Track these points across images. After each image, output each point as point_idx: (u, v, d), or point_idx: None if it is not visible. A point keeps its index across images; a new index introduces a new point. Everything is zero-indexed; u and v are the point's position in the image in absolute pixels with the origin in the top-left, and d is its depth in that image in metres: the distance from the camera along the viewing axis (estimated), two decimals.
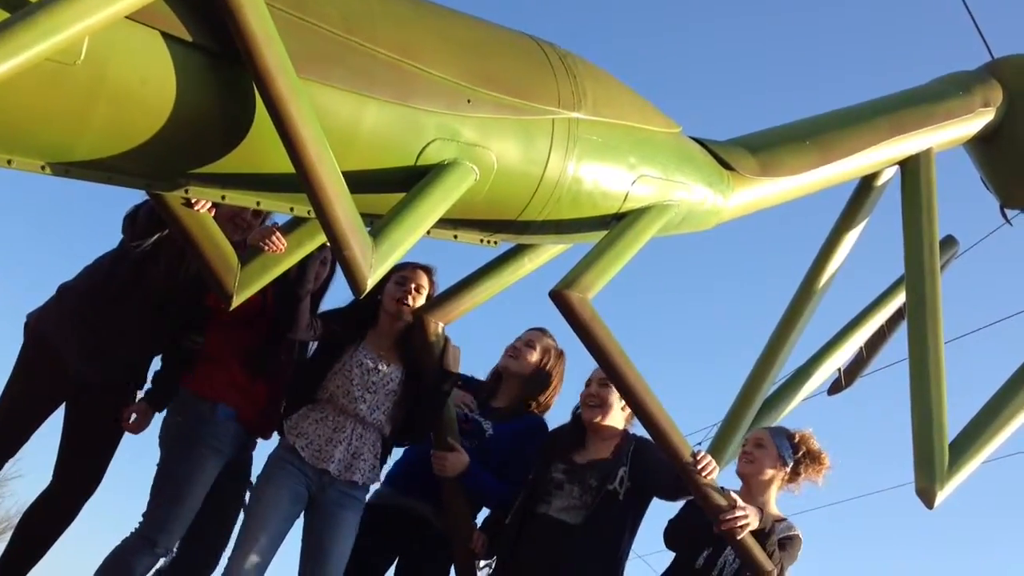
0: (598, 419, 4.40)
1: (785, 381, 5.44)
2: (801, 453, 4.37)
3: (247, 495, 4.43)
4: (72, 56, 2.65)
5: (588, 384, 4.47)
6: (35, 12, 2.43)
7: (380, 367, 4.32)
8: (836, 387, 5.89)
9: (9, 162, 2.86)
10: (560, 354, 4.77)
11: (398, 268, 4.22)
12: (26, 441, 4.31)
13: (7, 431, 4.28)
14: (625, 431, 4.48)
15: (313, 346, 4.56)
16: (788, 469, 4.35)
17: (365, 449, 4.25)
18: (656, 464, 4.21)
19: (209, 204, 3.55)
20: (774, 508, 4.35)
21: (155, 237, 4.12)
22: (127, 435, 4.39)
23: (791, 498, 4.51)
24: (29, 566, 4.31)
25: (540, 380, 4.70)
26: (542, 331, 4.76)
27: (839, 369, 5.72)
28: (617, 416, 4.43)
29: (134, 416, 4.33)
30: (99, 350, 4.24)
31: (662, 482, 4.28)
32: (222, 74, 2.93)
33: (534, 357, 4.68)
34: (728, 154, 4.34)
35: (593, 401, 4.43)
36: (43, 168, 2.92)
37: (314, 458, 4.17)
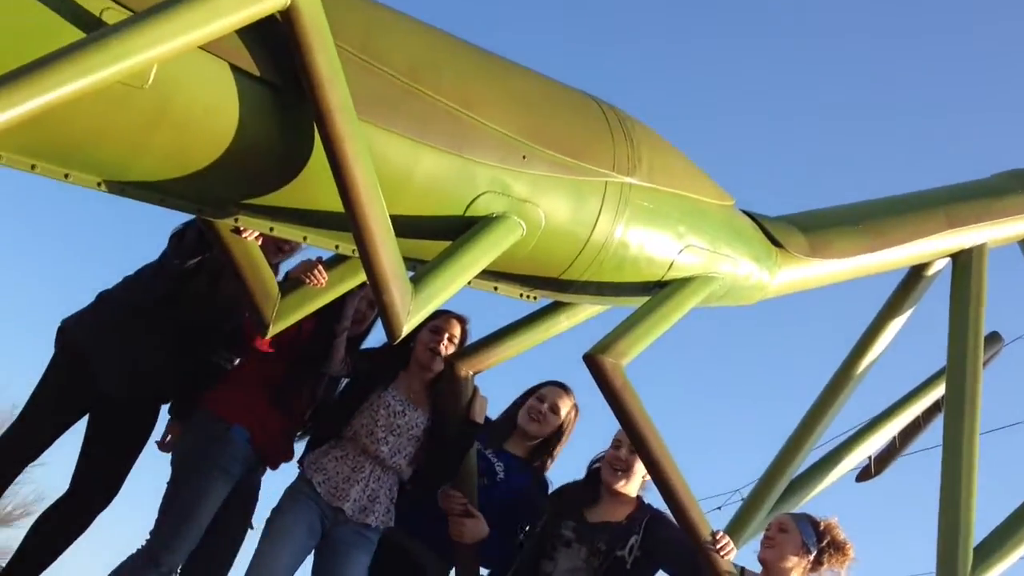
0: (620, 484, 4.35)
1: (814, 463, 5.36)
2: (825, 542, 4.25)
3: (252, 520, 4.43)
4: (140, 80, 2.68)
5: (618, 447, 4.38)
6: (108, 36, 2.47)
7: (407, 411, 4.30)
8: (865, 474, 5.80)
9: (66, 176, 2.90)
10: (577, 412, 4.73)
11: (433, 315, 4.21)
12: (49, 446, 4.33)
13: (32, 435, 4.31)
14: (639, 498, 4.42)
15: (343, 383, 4.55)
16: (811, 558, 4.24)
17: (382, 492, 4.22)
18: (671, 540, 4.15)
19: (257, 233, 3.57)
20: None
21: (199, 258, 4.16)
22: (146, 450, 4.42)
23: None
24: (38, 571, 4.32)
25: (554, 440, 4.66)
26: (566, 391, 4.70)
27: (870, 456, 5.64)
28: (636, 482, 4.38)
29: (170, 438, 4.38)
30: (129, 363, 4.26)
31: (676, 559, 4.20)
32: (284, 109, 2.96)
33: (556, 423, 4.64)
34: (779, 231, 4.31)
35: (619, 465, 4.36)
36: (99, 185, 2.96)
37: (330, 495, 4.14)
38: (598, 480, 4.42)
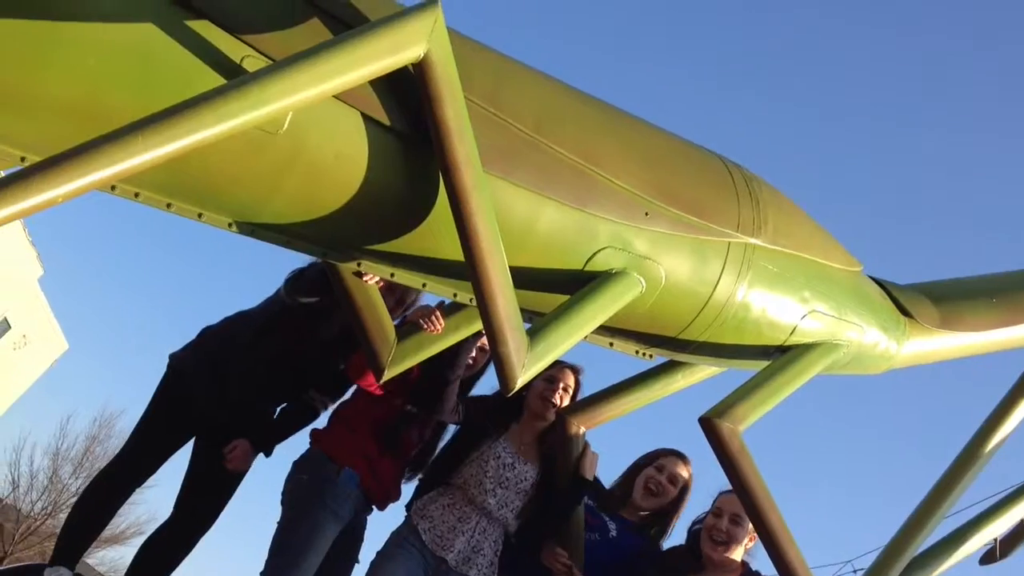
0: (719, 555, 4.22)
1: (937, 542, 5.13)
2: None
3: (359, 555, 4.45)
4: (276, 126, 2.76)
5: (719, 515, 4.27)
6: (248, 83, 2.54)
7: (517, 464, 4.27)
8: (990, 556, 5.51)
9: (200, 215, 2.99)
10: (691, 481, 4.62)
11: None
12: (156, 471, 4.47)
13: (140, 459, 4.47)
14: (744, 564, 4.27)
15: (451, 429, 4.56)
16: None
17: (486, 544, 4.19)
18: None
19: (378, 278, 3.62)
20: None
21: (315, 298, 4.25)
22: (247, 481, 4.50)
23: None
24: None
25: (671, 512, 4.56)
26: (684, 461, 4.60)
27: (996, 539, 5.37)
28: (740, 550, 4.24)
29: (236, 449, 4.43)
30: (228, 394, 4.39)
31: None
32: (411, 158, 3.00)
33: (673, 495, 4.54)
34: (908, 300, 4.16)
35: (720, 537, 4.24)
36: (230, 225, 3.04)
37: (435, 543, 4.13)
38: (699, 545, 4.29)
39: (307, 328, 4.40)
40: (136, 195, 2.85)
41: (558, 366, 4.40)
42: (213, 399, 4.39)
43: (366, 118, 2.89)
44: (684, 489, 4.57)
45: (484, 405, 4.53)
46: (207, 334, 4.59)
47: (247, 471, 4.51)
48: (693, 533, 4.38)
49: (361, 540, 4.55)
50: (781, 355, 3.85)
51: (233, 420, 4.45)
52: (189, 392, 4.42)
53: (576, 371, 4.49)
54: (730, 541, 4.20)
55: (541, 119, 3.21)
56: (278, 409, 4.62)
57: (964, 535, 5.18)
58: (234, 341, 4.46)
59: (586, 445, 4.37)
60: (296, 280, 4.38)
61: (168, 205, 2.91)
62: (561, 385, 4.36)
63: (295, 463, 4.47)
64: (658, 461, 4.57)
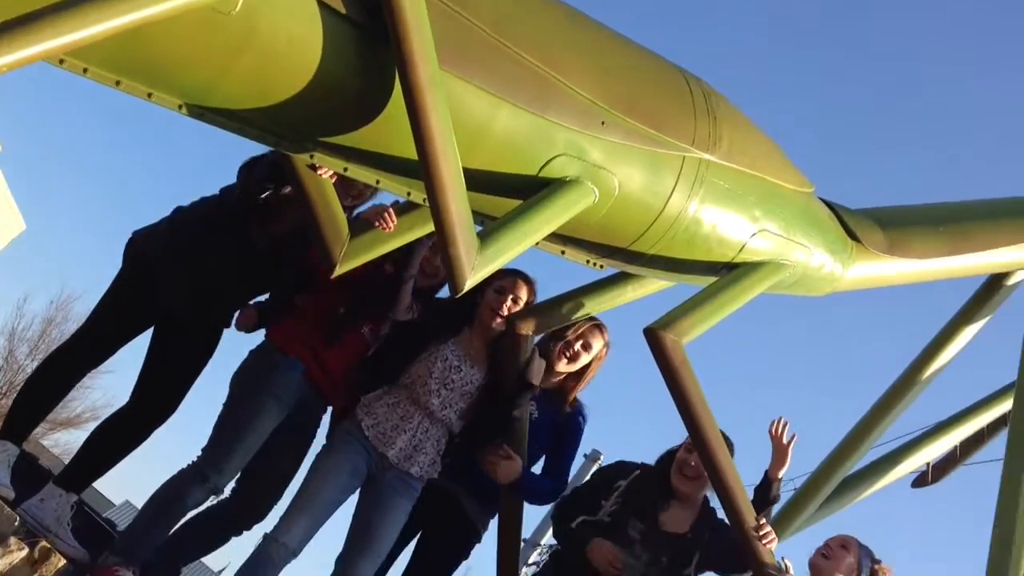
0: (688, 487, 4.31)
1: (871, 463, 5.28)
2: None
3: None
4: (229, 6, 2.71)
5: (691, 451, 4.25)
6: None
7: (463, 367, 4.32)
8: (922, 480, 5.69)
9: (149, 95, 2.95)
10: (608, 349, 4.69)
11: (500, 275, 4.20)
12: (110, 356, 4.43)
13: (93, 343, 4.41)
14: (705, 500, 4.37)
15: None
16: None
17: (428, 444, 4.25)
18: (727, 550, 4.14)
19: (332, 172, 3.60)
20: None
21: (268, 191, 4.20)
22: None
23: None
24: (92, 479, 4.46)
25: (584, 374, 4.65)
26: (600, 330, 4.64)
27: (928, 463, 5.53)
28: (707, 487, 4.30)
29: (246, 315, 4.45)
30: (193, 282, 4.33)
31: (726, 563, 4.24)
32: (367, 50, 2.97)
33: (587, 360, 4.63)
34: (857, 224, 4.21)
35: (691, 472, 4.28)
36: (180, 107, 3.00)
37: (377, 439, 4.19)
38: (668, 475, 4.38)
39: (268, 221, 4.36)
40: (85, 71, 2.80)
41: (511, 277, 4.41)
42: (185, 288, 4.32)
43: (322, 5, 2.85)
44: (597, 356, 4.64)
45: (439, 307, 4.55)
46: (178, 217, 4.46)
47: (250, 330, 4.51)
48: (663, 462, 4.45)
49: (312, 437, 4.57)
50: (729, 272, 3.90)
51: (201, 310, 4.41)
52: (155, 279, 4.33)
53: (530, 283, 4.50)
54: (699, 477, 4.26)
55: (502, 20, 3.18)
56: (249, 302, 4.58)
57: (897, 458, 5.34)
58: (208, 230, 4.35)
59: (534, 350, 4.42)
60: (247, 174, 4.31)
61: (117, 83, 2.87)
62: (511, 297, 4.38)
63: (249, 353, 4.49)
64: (575, 328, 4.64)
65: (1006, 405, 5.14)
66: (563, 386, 4.66)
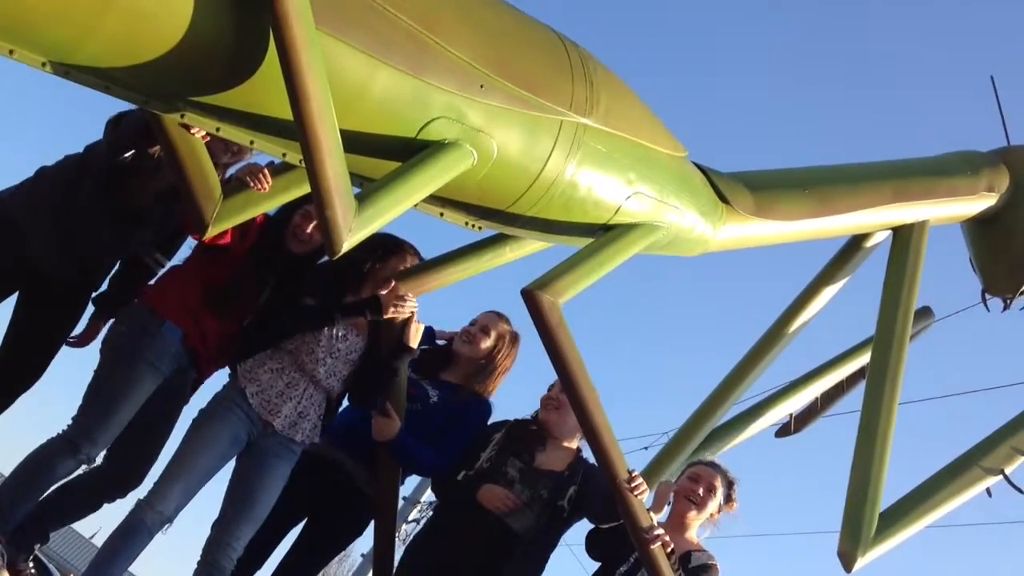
0: (554, 419, 4.48)
1: (736, 416, 5.48)
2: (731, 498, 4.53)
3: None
4: None
5: (551, 388, 4.58)
6: None
7: (349, 336, 4.32)
8: (784, 431, 5.93)
9: (11, 52, 2.82)
10: (514, 340, 4.75)
11: (393, 251, 4.27)
12: None
13: None
14: (579, 449, 4.59)
15: None
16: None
17: (312, 410, 4.25)
18: (598, 491, 4.30)
19: (204, 132, 3.51)
20: (695, 537, 4.45)
21: (134, 151, 4.06)
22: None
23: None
24: None
25: (488, 366, 4.70)
26: (499, 316, 4.74)
27: (791, 414, 5.78)
28: (573, 427, 4.46)
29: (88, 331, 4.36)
30: (65, 243, 4.17)
31: (598, 508, 4.39)
32: (240, 9, 2.89)
33: (487, 344, 4.67)
34: (727, 187, 4.33)
35: (552, 404, 4.55)
36: (44, 65, 2.88)
37: (262, 407, 4.15)
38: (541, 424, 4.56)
39: (144, 183, 4.21)
40: None
41: (399, 252, 4.45)
42: (57, 250, 4.15)
43: None
44: (503, 345, 4.70)
45: (322, 274, 4.48)
46: (44, 176, 4.26)
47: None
48: (537, 414, 4.66)
49: (185, 403, 4.46)
50: (605, 233, 3.97)
51: (73, 273, 4.26)
52: (22, 240, 4.14)
53: (415, 252, 4.55)
54: (560, 407, 4.48)
55: None
56: (111, 273, 4.44)
57: (760, 410, 5.57)
58: (77, 190, 4.17)
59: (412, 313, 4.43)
60: (113, 130, 4.13)
61: None
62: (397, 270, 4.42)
63: (116, 316, 4.35)
64: (474, 319, 4.72)
65: (864, 359, 5.38)
66: (469, 380, 4.69)
